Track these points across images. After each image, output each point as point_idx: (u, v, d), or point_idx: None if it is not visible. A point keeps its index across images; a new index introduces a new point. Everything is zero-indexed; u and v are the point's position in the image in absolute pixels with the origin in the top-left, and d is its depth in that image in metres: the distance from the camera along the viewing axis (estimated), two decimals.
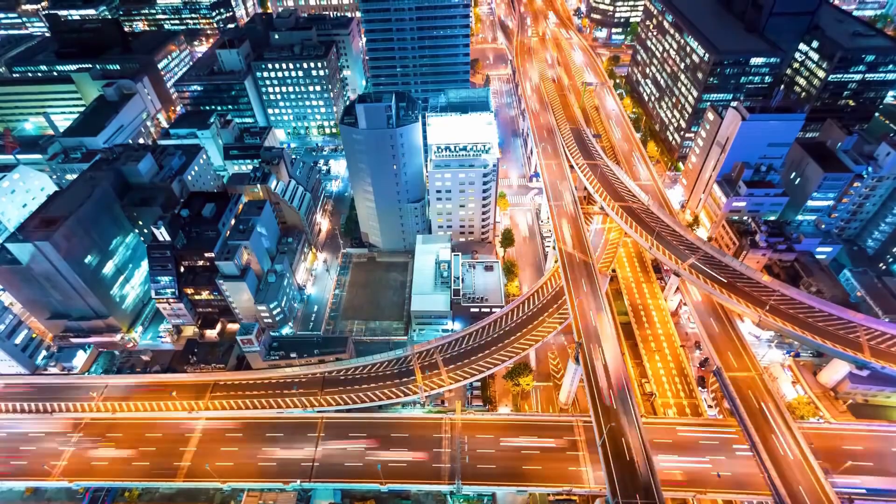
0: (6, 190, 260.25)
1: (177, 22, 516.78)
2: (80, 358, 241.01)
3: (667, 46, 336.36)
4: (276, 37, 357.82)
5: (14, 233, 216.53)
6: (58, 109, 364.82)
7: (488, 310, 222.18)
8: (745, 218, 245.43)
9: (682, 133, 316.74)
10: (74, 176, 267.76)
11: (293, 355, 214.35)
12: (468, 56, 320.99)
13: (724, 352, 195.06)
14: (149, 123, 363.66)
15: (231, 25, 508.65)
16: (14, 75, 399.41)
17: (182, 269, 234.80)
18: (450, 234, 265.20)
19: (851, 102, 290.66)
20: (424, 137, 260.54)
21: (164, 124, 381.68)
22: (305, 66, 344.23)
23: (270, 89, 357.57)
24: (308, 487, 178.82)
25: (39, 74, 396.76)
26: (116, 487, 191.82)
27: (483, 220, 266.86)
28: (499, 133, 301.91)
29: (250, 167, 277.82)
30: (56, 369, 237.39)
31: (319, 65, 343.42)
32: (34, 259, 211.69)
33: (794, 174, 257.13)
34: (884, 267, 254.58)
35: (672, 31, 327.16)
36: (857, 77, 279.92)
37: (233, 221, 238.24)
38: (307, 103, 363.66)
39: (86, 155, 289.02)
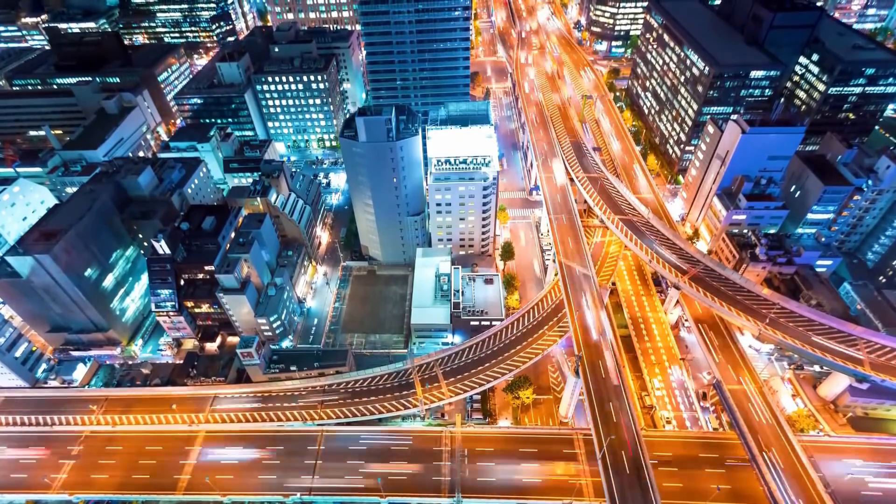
0: (6, 203, 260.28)
1: (177, 35, 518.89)
2: (80, 371, 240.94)
3: (667, 59, 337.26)
4: (276, 50, 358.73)
5: (14, 246, 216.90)
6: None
7: (488, 323, 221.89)
8: (745, 231, 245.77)
9: (681, 146, 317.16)
10: (74, 189, 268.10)
11: (293, 368, 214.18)
12: (468, 69, 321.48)
13: (724, 365, 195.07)
14: (149, 136, 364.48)
15: (231, 38, 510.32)
16: (14, 88, 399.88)
17: (182, 282, 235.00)
18: (450, 248, 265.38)
19: (851, 115, 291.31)
20: (424, 151, 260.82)
21: (164, 137, 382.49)
22: (305, 79, 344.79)
23: (270, 102, 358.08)
24: (308, 500, 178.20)
25: (39, 87, 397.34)
26: (116, 500, 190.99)
27: (483, 233, 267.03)
28: (499, 146, 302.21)
29: (250, 180, 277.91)
30: (56, 382, 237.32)
31: (319, 78, 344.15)
32: (34, 272, 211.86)
33: (794, 187, 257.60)
34: (884, 280, 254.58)
35: (672, 44, 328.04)
36: (857, 90, 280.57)
37: (233, 234, 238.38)
38: (307, 116, 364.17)
39: (86, 168, 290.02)
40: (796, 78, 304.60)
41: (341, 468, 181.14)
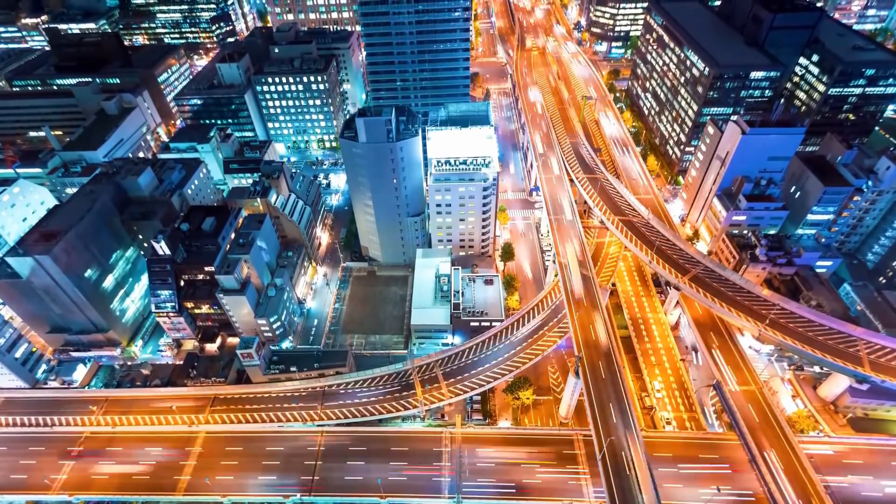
0: (6, 204, 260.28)
1: (177, 36, 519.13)
2: (80, 372, 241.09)
3: (667, 60, 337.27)
4: (276, 50, 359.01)
5: (14, 247, 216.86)
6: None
7: (488, 324, 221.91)
8: (745, 232, 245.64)
9: (682, 147, 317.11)
10: (74, 190, 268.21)
11: (293, 369, 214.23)
12: (468, 70, 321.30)
13: (724, 365, 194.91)
14: (149, 137, 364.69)
15: (231, 39, 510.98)
16: (14, 89, 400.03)
17: (182, 283, 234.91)
18: (450, 248, 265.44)
19: (851, 116, 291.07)
20: (424, 151, 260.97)
21: (164, 138, 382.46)
22: (305, 79, 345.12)
23: (270, 103, 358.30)
24: (308, 501, 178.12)
25: (39, 88, 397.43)
26: (116, 501, 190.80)
27: (483, 233, 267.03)
28: (499, 147, 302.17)
29: (250, 181, 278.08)
30: (56, 383, 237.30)
31: (319, 79, 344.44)
32: (34, 273, 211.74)
33: (794, 188, 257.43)
34: (884, 281, 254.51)
35: (672, 44, 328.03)
36: (857, 91, 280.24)
37: (233, 235, 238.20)
38: (307, 117, 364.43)
39: (86, 169, 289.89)
40: (796, 79, 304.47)
41: (341, 469, 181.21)
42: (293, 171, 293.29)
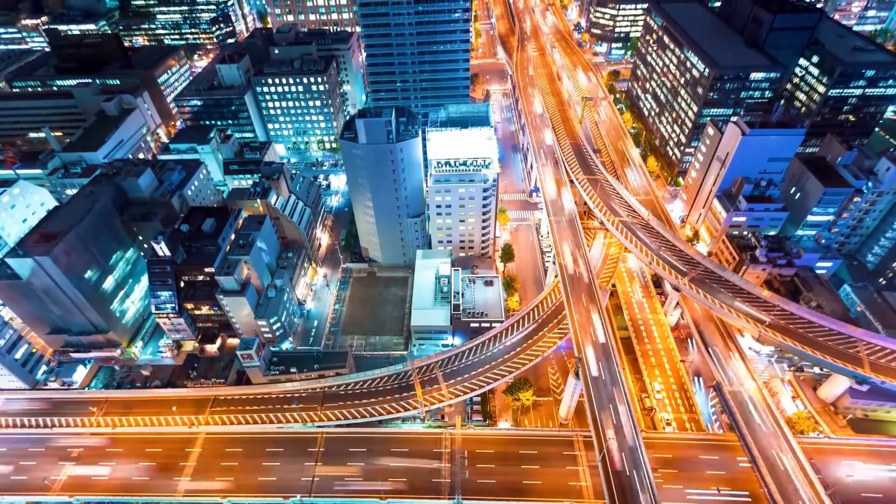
0: (6, 205, 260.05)
1: (177, 37, 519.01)
2: (81, 373, 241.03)
3: (667, 61, 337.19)
4: (276, 52, 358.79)
5: (14, 248, 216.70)
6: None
7: (488, 325, 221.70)
8: (745, 233, 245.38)
9: (682, 148, 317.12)
10: (74, 191, 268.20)
11: (293, 370, 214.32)
12: (468, 71, 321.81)
13: (724, 366, 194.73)
14: (149, 138, 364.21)
15: (231, 40, 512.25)
16: (14, 90, 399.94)
17: (182, 284, 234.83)
18: (450, 249, 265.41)
19: (851, 117, 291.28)
20: (424, 152, 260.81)
21: (164, 139, 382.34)
22: (305, 80, 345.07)
23: (270, 104, 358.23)
24: (308, 502, 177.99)
25: (39, 89, 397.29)
26: (116, 502, 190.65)
27: (483, 234, 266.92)
28: (499, 148, 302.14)
29: (250, 182, 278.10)
30: (56, 384, 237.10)
31: (319, 80, 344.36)
32: (34, 274, 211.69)
33: (794, 189, 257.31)
34: (884, 282, 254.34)
35: (672, 45, 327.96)
36: (857, 92, 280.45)
37: (233, 236, 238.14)
38: (307, 118, 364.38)
39: (86, 170, 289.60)
40: (796, 80, 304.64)
41: (341, 470, 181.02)
42: (293, 172, 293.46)
